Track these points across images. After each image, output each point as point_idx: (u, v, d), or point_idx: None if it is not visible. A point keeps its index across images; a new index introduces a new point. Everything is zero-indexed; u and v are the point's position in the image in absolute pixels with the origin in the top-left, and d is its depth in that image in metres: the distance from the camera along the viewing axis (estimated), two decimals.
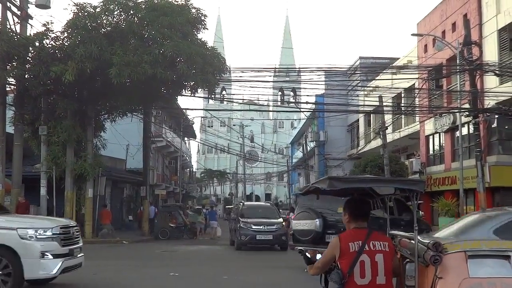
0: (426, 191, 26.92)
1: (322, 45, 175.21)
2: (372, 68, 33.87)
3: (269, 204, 27.95)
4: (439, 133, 28.33)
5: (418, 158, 31.02)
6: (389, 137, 30.25)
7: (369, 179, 4.81)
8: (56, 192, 19.50)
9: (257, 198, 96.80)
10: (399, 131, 32.39)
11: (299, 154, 57.70)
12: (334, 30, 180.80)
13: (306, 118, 49.05)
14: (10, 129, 19.84)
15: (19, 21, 17.39)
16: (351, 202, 4.58)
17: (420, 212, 21.94)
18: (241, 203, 25.19)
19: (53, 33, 17.37)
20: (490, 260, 4.30)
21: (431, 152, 30.26)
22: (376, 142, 32.66)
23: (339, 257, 4.27)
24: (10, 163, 19.52)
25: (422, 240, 4.49)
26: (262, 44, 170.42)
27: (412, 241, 4.54)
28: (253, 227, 20.62)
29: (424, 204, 25.91)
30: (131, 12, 17.46)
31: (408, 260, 4.81)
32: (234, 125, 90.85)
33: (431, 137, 29.80)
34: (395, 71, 29.74)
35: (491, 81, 22.42)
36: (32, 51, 17.21)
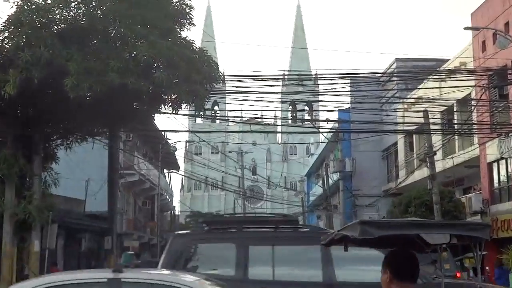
0: (492, 238, 26.71)
1: (345, 43, 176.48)
2: (414, 73, 33.94)
3: None
4: (506, 159, 28.24)
5: (479, 193, 30.86)
6: (439, 166, 30.16)
7: (415, 224, 4.79)
8: None
9: None
10: (452, 157, 32.32)
11: (317, 189, 57.47)
12: (360, 24, 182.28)
13: (327, 141, 49.03)
14: None
15: None
16: (394, 257, 4.55)
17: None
18: None
19: None
20: None
21: (496, 185, 30.11)
22: (421, 173, 32.52)
23: None
24: None
25: None
26: (266, 43, 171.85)
27: None
28: None
29: (488, 255, 25.72)
30: (93, 3, 17.57)
31: None
32: (230, 151, 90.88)
33: (495, 164, 29.69)
34: (444, 76, 29.78)
35: None
36: None
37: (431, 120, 28.46)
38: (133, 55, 16.91)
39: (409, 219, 21.94)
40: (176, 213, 79.02)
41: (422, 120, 28.39)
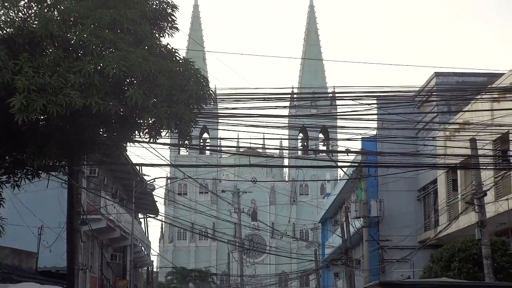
0: None
1: (370, 53, 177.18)
2: (458, 91, 33.98)
3: None
4: None
5: None
6: (490, 209, 30.03)
7: (446, 286, 4.68)
8: None
9: None
10: (507, 199, 32.19)
11: (335, 240, 57.30)
12: (389, 30, 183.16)
13: (348, 178, 48.92)
14: None
15: None
16: None
17: None
18: None
19: None
20: None
21: None
22: (468, 218, 32.39)
23: None
24: None
25: None
26: (270, 52, 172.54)
27: None
28: None
29: None
30: (48, 2, 17.55)
31: None
32: (223, 191, 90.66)
33: None
34: (497, 96, 29.74)
35: None
36: None
37: (480, 152, 28.36)
38: (99, 68, 16.84)
39: (439, 280, 21.76)
40: (155, 269, 78.84)
41: (468, 152, 28.28)
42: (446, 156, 31.88)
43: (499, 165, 30.68)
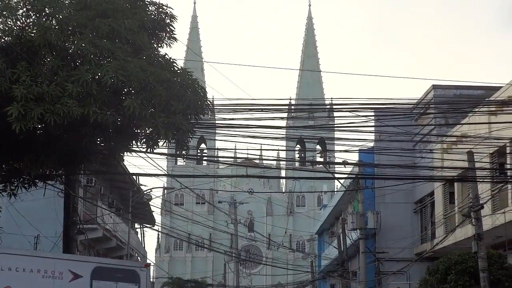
0: None
1: (368, 65, 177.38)
2: (456, 104, 33.94)
3: None
4: None
5: None
6: (487, 222, 29.99)
7: None
8: None
9: None
10: (504, 212, 32.17)
11: (331, 251, 57.16)
12: (388, 42, 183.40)
13: (344, 189, 48.85)
14: None
15: None
16: None
17: None
18: None
19: None
20: None
21: None
22: (465, 231, 32.33)
23: None
24: None
25: None
26: (268, 63, 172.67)
27: None
28: None
29: None
30: (47, 11, 17.51)
31: None
32: (220, 202, 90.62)
33: None
34: (494, 109, 29.73)
35: None
36: None
37: (477, 165, 28.32)
38: (96, 77, 16.78)
39: None
40: (151, 279, 78.59)
41: (466, 164, 28.24)
42: (443, 169, 31.84)
43: (496, 178, 30.62)
